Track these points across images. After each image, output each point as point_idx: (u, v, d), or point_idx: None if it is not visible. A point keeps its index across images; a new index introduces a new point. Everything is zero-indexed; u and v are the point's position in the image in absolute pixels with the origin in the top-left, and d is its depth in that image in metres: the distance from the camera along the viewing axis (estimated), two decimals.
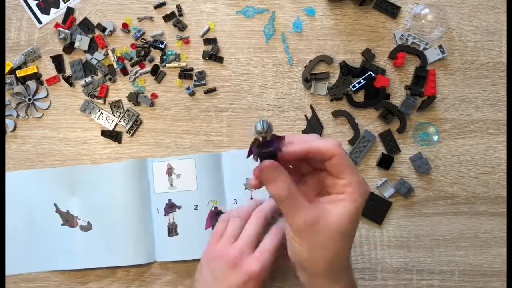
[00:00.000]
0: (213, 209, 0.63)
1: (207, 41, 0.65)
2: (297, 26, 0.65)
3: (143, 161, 0.64)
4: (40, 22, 0.66)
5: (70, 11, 0.66)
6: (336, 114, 0.65)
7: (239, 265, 0.50)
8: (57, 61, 0.65)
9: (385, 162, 0.64)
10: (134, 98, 0.64)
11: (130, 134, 0.64)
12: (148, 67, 0.65)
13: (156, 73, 0.65)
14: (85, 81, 0.65)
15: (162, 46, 0.64)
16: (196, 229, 0.63)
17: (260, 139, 0.38)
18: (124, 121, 0.65)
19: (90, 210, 0.63)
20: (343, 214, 0.41)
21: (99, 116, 0.65)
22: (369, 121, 0.65)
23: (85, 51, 0.65)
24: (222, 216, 0.57)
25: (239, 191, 0.64)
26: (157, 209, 0.63)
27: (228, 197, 0.64)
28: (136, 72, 0.65)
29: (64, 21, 0.65)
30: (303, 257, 0.43)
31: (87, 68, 0.65)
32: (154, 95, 0.65)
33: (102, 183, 0.63)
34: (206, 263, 0.53)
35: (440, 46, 0.65)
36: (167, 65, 0.65)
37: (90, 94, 0.65)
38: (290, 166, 0.45)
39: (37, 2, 0.66)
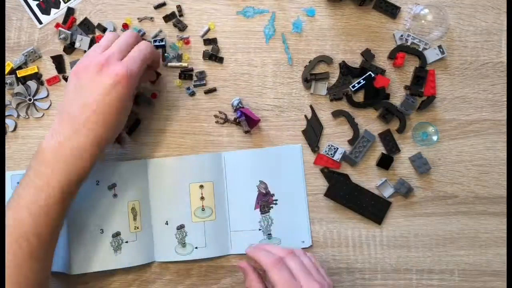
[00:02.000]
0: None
1: (207, 41, 0.65)
2: (297, 26, 0.65)
3: (143, 161, 0.64)
4: (40, 22, 0.66)
5: (70, 11, 0.66)
6: (336, 114, 0.65)
7: (105, 68, 0.52)
8: (58, 61, 0.65)
9: (385, 162, 0.64)
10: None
11: (130, 134, 0.65)
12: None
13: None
14: None
15: (163, 43, 0.64)
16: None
17: None
18: None
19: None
20: None
21: None
22: (369, 121, 0.65)
23: (85, 51, 0.65)
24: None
25: (240, 191, 0.64)
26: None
27: (230, 197, 0.64)
28: None
29: (65, 21, 0.66)
30: None
31: None
32: (154, 95, 0.65)
33: (98, 183, 0.63)
34: (74, 75, 0.54)
35: (440, 46, 0.65)
36: (168, 64, 0.65)
37: None
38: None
39: (37, 2, 0.66)
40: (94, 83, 0.52)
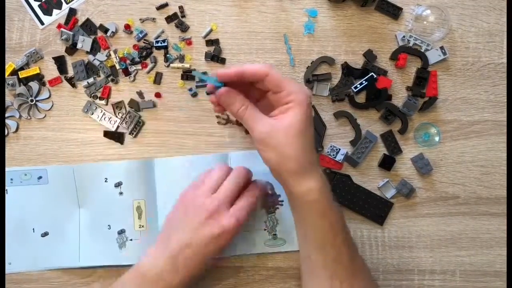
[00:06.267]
0: None
1: (209, 42, 0.65)
2: (309, 28, 0.65)
3: (149, 161, 0.64)
4: (42, 23, 0.66)
5: (72, 12, 0.66)
6: (338, 115, 0.65)
7: (216, 217, 0.53)
8: (60, 62, 0.65)
9: (387, 163, 0.64)
10: (136, 104, 0.64)
11: (133, 135, 0.65)
12: (150, 67, 0.65)
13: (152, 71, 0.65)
14: (88, 82, 0.65)
15: (165, 44, 0.64)
16: None
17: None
18: (126, 123, 0.65)
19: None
20: (294, 116, 0.49)
21: (102, 117, 0.65)
22: (371, 122, 0.65)
23: (87, 52, 0.65)
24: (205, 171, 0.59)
25: None
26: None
27: None
28: (135, 71, 0.65)
29: (67, 22, 0.65)
30: (272, 161, 0.50)
31: (90, 69, 0.65)
32: (158, 94, 0.65)
33: (107, 180, 0.64)
34: (184, 206, 0.55)
35: (442, 47, 0.65)
36: (171, 65, 0.65)
37: (92, 95, 0.65)
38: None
39: (39, 3, 0.66)
40: (201, 227, 0.53)
